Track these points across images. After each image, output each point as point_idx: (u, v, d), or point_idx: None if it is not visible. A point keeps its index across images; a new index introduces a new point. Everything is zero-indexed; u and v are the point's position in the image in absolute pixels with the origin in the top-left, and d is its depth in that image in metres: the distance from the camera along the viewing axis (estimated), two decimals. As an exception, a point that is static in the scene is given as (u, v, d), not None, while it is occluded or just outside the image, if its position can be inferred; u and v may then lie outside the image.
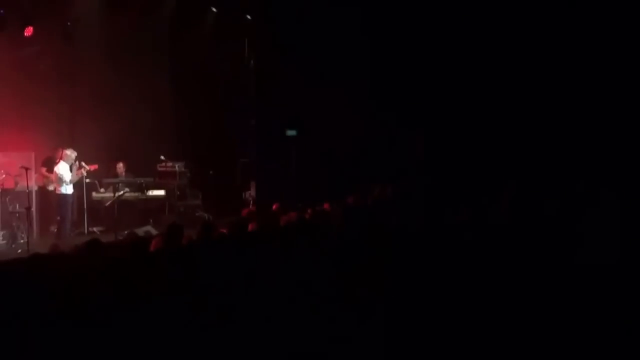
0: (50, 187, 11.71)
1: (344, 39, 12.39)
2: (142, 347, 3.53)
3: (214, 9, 13.87)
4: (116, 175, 12.87)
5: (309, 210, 7.50)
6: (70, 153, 11.27)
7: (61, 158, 11.38)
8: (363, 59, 12.37)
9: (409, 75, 12.30)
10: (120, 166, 12.94)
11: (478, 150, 11.61)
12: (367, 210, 7.42)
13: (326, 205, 7.92)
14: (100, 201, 12.36)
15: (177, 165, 13.19)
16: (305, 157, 13.02)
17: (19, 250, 10.04)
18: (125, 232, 10.65)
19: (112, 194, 12.11)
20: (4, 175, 11.12)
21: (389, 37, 12.37)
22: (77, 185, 11.57)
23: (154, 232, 10.14)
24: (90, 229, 11.93)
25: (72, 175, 11.20)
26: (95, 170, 12.03)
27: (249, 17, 14.05)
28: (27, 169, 10.54)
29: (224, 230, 6.57)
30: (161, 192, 12.86)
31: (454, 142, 11.92)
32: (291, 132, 13.46)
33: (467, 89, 11.92)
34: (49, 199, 11.74)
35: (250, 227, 6.38)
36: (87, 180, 12.06)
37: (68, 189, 11.25)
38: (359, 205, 7.91)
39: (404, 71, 12.31)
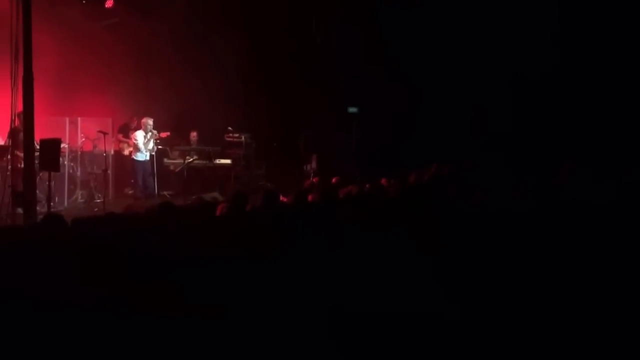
0: (126, 152, 12.10)
1: (406, 18, 12.25)
2: (203, 306, 3.61)
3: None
4: (189, 144, 13.17)
5: (367, 185, 7.53)
6: (147, 122, 11.61)
7: (138, 125, 11.75)
8: (426, 37, 12.20)
9: (467, 53, 12.08)
10: (194, 135, 13.23)
11: (538, 128, 11.35)
12: (424, 187, 7.38)
13: (383, 181, 7.92)
14: (171, 167, 12.70)
15: (243, 136, 13.39)
16: (366, 133, 13.02)
17: (96, 209, 10.45)
18: (193, 197, 10.97)
19: (181, 161, 12.43)
20: (83, 139, 11.54)
21: (452, 15, 12.15)
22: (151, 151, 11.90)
23: (220, 198, 10.37)
24: (160, 192, 12.28)
25: (146, 143, 11.55)
26: (167, 137, 12.35)
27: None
28: (104, 134, 10.91)
29: (285, 199, 6.68)
30: (228, 161, 13.11)
31: (514, 120, 11.68)
32: (353, 109, 13.46)
33: (528, 67, 11.63)
34: (124, 163, 12.12)
35: (310, 197, 6.46)
36: (159, 147, 12.38)
37: (140, 156, 11.60)
38: (416, 182, 7.88)
39: (464, 48, 12.09)
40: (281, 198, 6.74)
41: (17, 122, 8.40)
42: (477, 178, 7.34)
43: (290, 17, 13.89)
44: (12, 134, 8.57)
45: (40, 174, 8.94)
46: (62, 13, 11.99)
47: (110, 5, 12.59)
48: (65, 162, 10.65)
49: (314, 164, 13.48)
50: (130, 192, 12.04)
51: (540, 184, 5.80)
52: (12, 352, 3.08)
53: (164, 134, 12.14)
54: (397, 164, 10.04)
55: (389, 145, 12.41)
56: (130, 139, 11.94)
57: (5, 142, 9.09)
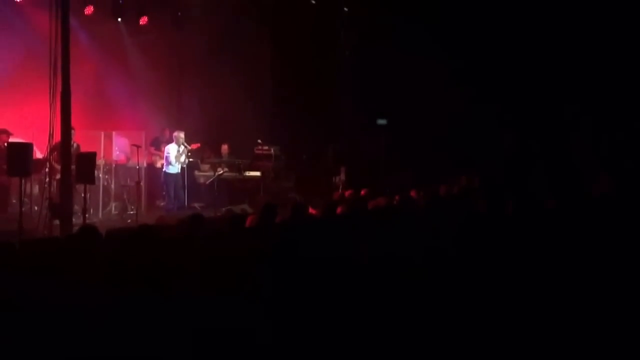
0: (158, 165, 12.24)
1: (433, 30, 12.25)
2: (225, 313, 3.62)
3: (313, 1, 13.95)
4: (220, 156, 13.25)
5: (396, 197, 7.48)
6: (180, 135, 11.75)
7: (170, 138, 11.89)
8: (452, 52, 12.15)
9: (497, 69, 12.02)
10: (225, 148, 13.29)
11: (565, 141, 11.23)
12: (455, 199, 7.33)
13: (413, 193, 7.87)
14: (201, 179, 12.79)
15: (273, 149, 13.43)
16: (395, 145, 12.98)
17: (129, 220, 10.56)
18: (224, 209, 11.02)
19: (212, 173, 12.52)
20: (117, 152, 11.70)
21: (479, 31, 12.11)
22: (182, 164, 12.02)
23: (249, 210, 10.41)
24: (191, 204, 12.33)
25: (178, 156, 11.68)
26: (197, 149, 12.46)
27: (346, 9, 14.07)
28: (137, 147, 11.04)
29: (314, 212, 6.68)
30: (257, 173, 13.13)
31: (542, 133, 11.57)
32: (382, 122, 13.45)
33: (556, 80, 11.53)
34: (157, 175, 12.25)
35: (339, 210, 6.45)
36: (190, 159, 12.47)
37: (172, 169, 11.73)
38: (446, 194, 7.82)
39: (492, 64, 12.03)
40: (310, 210, 6.74)
41: (55, 137, 8.55)
42: (507, 190, 7.27)
43: (319, 30, 13.95)
44: (53, 148, 8.73)
45: (77, 187, 9.07)
46: (99, 30, 12.26)
47: (144, 22, 12.80)
48: (100, 175, 10.81)
49: (342, 176, 13.47)
50: (162, 204, 12.14)
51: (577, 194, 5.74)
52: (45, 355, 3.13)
53: (194, 146, 12.26)
54: (426, 176, 9.99)
55: (417, 157, 12.35)
56: (162, 151, 12.07)
57: (45, 156, 9.29)
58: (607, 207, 5.25)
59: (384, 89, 13.00)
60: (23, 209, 8.56)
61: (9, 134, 10.08)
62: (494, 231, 4.91)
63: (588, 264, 4.52)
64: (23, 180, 8.75)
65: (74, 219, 8.45)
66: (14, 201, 9.68)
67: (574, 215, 5.15)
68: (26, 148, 8.61)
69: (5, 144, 9.68)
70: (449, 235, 4.82)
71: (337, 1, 13.81)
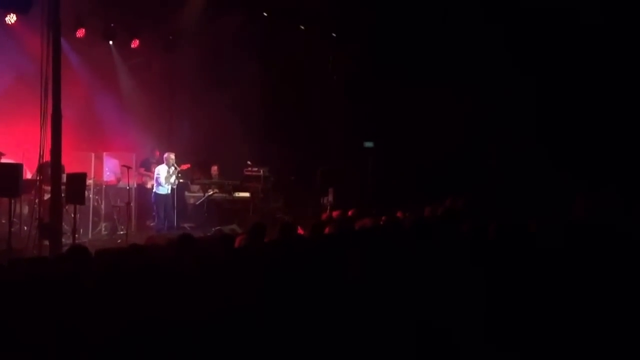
0: (149, 185, 12.26)
1: (421, 54, 12.44)
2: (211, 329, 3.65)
3: (302, 27, 14.13)
4: (210, 177, 13.31)
5: (382, 218, 7.55)
6: (170, 156, 11.80)
7: (160, 159, 11.94)
8: (438, 76, 12.33)
9: (483, 94, 12.20)
10: (215, 169, 13.38)
11: (549, 160, 11.40)
12: (439, 220, 7.40)
13: (399, 214, 7.94)
14: (191, 200, 12.82)
15: (262, 170, 13.51)
16: (381, 167, 13.11)
17: (119, 241, 10.56)
18: (213, 229, 11.04)
19: (202, 194, 12.56)
20: (108, 173, 11.72)
21: (465, 56, 12.32)
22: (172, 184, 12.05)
23: (238, 230, 10.44)
24: (181, 224, 12.35)
25: (168, 177, 11.71)
26: (187, 169, 12.50)
27: (334, 34, 14.27)
28: (128, 168, 11.07)
29: (302, 232, 6.73)
30: (246, 194, 13.20)
31: (526, 153, 11.74)
32: (368, 144, 13.59)
33: (540, 99, 11.73)
34: (147, 196, 12.26)
35: (326, 230, 6.50)
36: (181, 181, 12.51)
37: (162, 189, 11.75)
38: (431, 215, 7.89)
39: (478, 90, 12.21)
40: (299, 230, 6.79)
41: (45, 158, 8.57)
42: (491, 212, 7.35)
43: (308, 55, 14.11)
44: (41, 168, 8.74)
45: (66, 207, 9.07)
46: (90, 52, 12.33)
47: (135, 45, 12.90)
48: (90, 195, 10.81)
49: (330, 197, 13.54)
50: (152, 224, 12.15)
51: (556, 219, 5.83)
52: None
53: (184, 166, 12.32)
54: (412, 197, 10.08)
55: (404, 178, 12.47)
56: (152, 172, 12.11)
57: (33, 177, 9.28)
58: (585, 231, 5.35)
59: (371, 112, 13.17)
60: (12, 229, 8.54)
61: (1, 155, 10.08)
62: (477, 253, 4.99)
63: (569, 287, 4.59)
64: (13, 200, 8.74)
65: (63, 239, 8.44)
66: (3, 221, 9.65)
67: (553, 238, 5.24)
68: (16, 168, 8.61)
69: (-3, 164, 9.67)
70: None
71: (325, 26, 13.99)
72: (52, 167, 8.37)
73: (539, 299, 4.42)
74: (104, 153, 11.73)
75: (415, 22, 12.50)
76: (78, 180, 8.91)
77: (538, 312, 4.28)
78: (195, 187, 13.10)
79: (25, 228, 9.46)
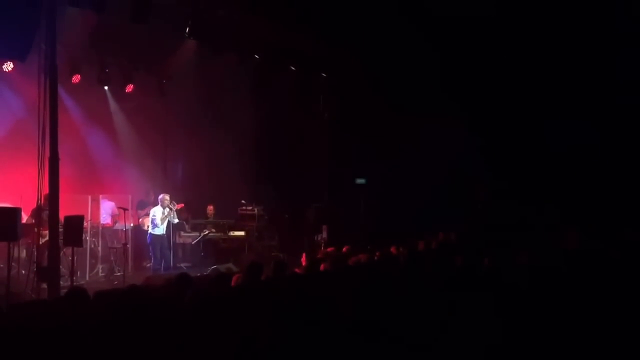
0: (145, 227, 12.21)
1: (409, 93, 12.61)
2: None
3: (292, 67, 14.31)
4: (206, 217, 13.31)
5: (377, 253, 7.55)
6: (165, 197, 11.79)
7: (156, 201, 11.92)
8: (429, 110, 12.47)
9: (472, 129, 12.34)
10: (210, 208, 13.39)
11: (538, 197, 11.47)
12: (433, 254, 7.41)
13: (393, 249, 7.95)
14: (187, 240, 12.77)
15: (256, 209, 13.51)
16: (374, 203, 13.16)
17: (116, 282, 10.46)
18: (209, 268, 10.98)
19: (197, 234, 12.53)
20: (104, 215, 11.68)
21: (452, 91, 12.49)
22: (167, 225, 12.01)
23: (234, 269, 10.37)
24: (177, 264, 12.26)
25: (164, 218, 11.68)
26: (181, 208, 12.49)
27: (324, 74, 14.45)
28: (124, 210, 11.03)
29: (297, 270, 6.72)
30: (241, 233, 13.17)
31: (513, 188, 11.82)
32: (360, 181, 13.65)
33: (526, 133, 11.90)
34: (143, 237, 12.20)
35: (322, 266, 6.49)
36: (176, 221, 12.48)
37: (158, 230, 11.70)
38: (425, 249, 7.91)
39: (467, 124, 12.35)
40: (296, 270, 6.77)
41: (42, 202, 8.56)
42: (482, 244, 7.39)
43: (299, 94, 14.27)
44: (37, 212, 8.71)
45: (64, 250, 9.01)
46: (85, 97, 12.40)
47: (130, 90, 13.01)
48: (87, 238, 10.75)
49: (324, 234, 13.54)
50: (148, 265, 12.06)
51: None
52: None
53: (178, 206, 12.30)
54: (404, 231, 10.10)
55: (395, 214, 12.50)
56: (147, 214, 12.07)
57: (28, 220, 9.22)
58: (577, 261, 5.38)
59: (362, 150, 13.27)
60: (11, 273, 8.46)
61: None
62: (470, 286, 5.00)
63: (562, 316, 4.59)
64: (11, 244, 8.67)
65: (61, 282, 8.36)
66: (1, 265, 9.56)
67: (545, 269, 5.27)
68: (14, 213, 8.57)
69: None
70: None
71: (315, 67, 14.18)
72: (49, 210, 8.35)
73: (538, 327, 4.43)
74: (100, 195, 11.71)
75: (405, 58, 12.67)
76: (75, 223, 8.87)
77: (540, 341, 4.28)
78: (191, 227, 13.06)
79: (24, 272, 9.37)
